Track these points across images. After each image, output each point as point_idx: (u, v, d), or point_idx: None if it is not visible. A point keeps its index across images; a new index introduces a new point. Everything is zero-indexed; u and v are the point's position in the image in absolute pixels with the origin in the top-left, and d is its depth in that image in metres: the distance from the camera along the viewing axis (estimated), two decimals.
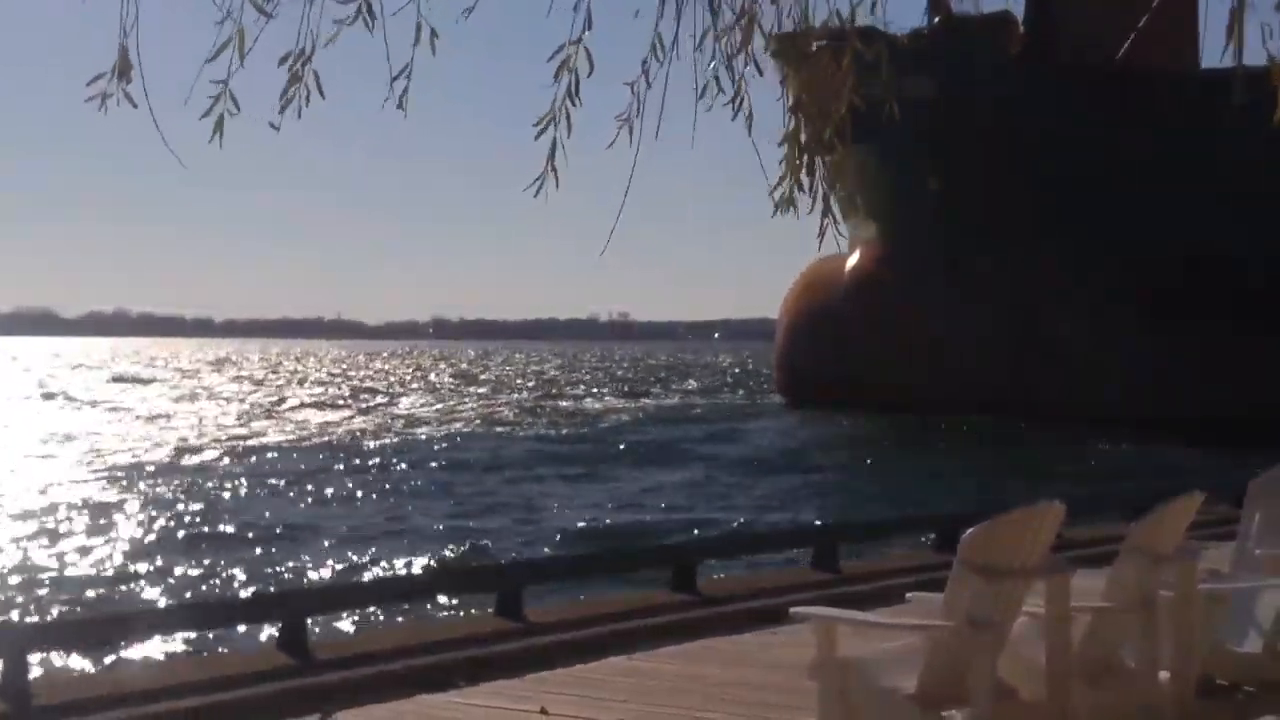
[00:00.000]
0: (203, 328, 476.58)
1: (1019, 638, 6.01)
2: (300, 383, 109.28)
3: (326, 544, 25.07)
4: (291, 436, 51.00)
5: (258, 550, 24.32)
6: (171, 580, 21.53)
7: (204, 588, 20.98)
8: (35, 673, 8.79)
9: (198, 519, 28.01)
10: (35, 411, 66.66)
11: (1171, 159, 53.54)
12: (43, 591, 20.42)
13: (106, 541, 24.90)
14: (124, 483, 34.25)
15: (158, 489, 32.92)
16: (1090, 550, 12.27)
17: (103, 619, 12.17)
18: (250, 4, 4.86)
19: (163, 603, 19.08)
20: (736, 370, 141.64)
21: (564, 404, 77.49)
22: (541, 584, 14.40)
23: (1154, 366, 53.27)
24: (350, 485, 34.45)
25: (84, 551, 23.82)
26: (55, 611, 18.67)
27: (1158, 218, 53.97)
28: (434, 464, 40.19)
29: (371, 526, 27.06)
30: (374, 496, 32.42)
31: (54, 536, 25.33)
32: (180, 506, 29.90)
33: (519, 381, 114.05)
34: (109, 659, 13.74)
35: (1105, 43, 45.98)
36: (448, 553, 23.97)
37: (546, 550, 23.81)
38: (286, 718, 7.58)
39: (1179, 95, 52.57)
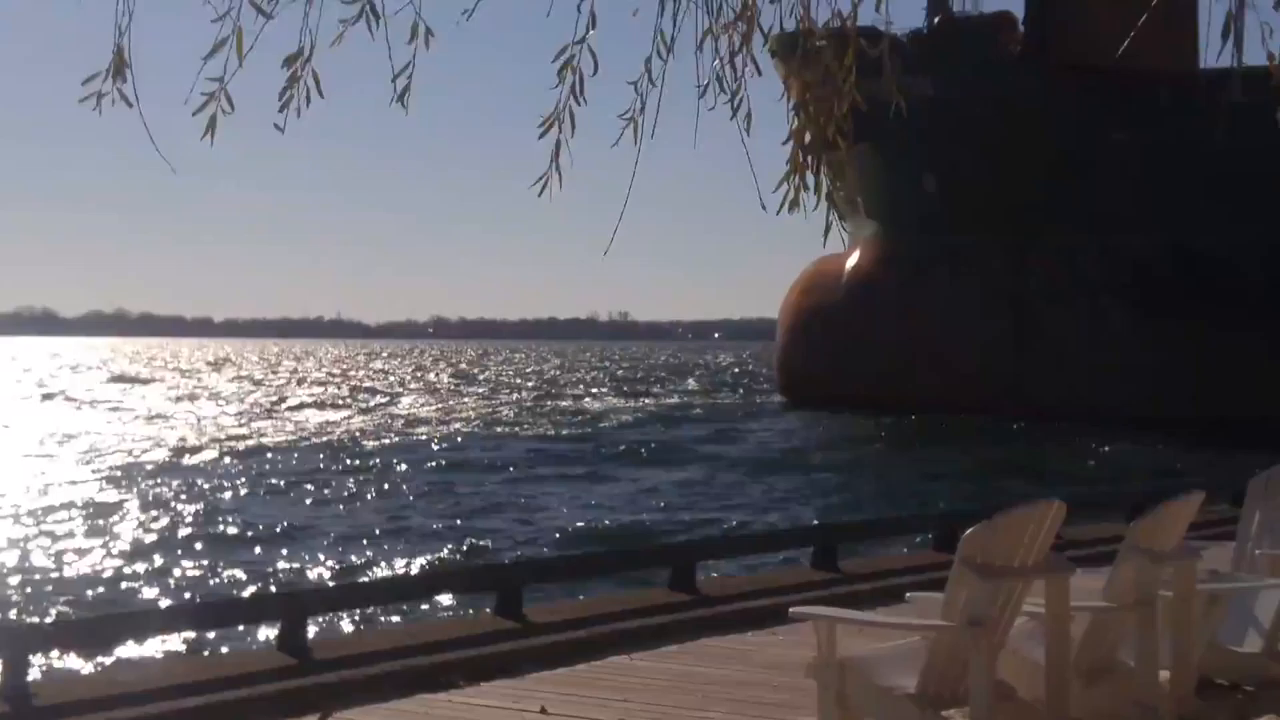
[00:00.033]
0: (203, 328, 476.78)
1: (1019, 638, 6.02)
2: (300, 383, 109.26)
3: (326, 544, 25.07)
4: (291, 436, 50.99)
5: (258, 550, 24.32)
6: (171, 580, 21.53)
7: (204, 588, 20.99)
8: (35, 673, 8.79)
9: (197, 519, 28.01)
10: (35, 412, 66.64)
11: (1171, 159, 53.57)
12: (43, 592, 20.42)
13: (106, 542, 24.90)
14: (124, 483, 34.24)
15: (157, 489, 32.92)
16: (1090, 550, 12.26)
17: (103, 619, 12.16)
18: (249, 3, 4.86)
19: (163, 603, 19.08)
20: (736, 370, 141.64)
21: (564, 404, 77.49)
22: (541, 584, 14.41)
23: (1154, 366, 53.29)
24: (350, 485, 34.45)
25: (84, 552, 23.82)
26: (55, 611, 18.67)
27: (1157, 218, 54.01)
28: (433, 464, 40.19)
29: (371, 526, 27.06)
30: (374, 497, 32.42)
31: (54, 537, 25.32)
32: (180, 506, 29.90)
33: (519, 381, 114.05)
34: (109, 659, 13.74)
35: (1105, 43, 45.97)
36: (448, 553, 23.98)
37: (546, 550, 23.80)
38: (286, 718, 7.58)
39: (1179, 95, 52.60)
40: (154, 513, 28.78)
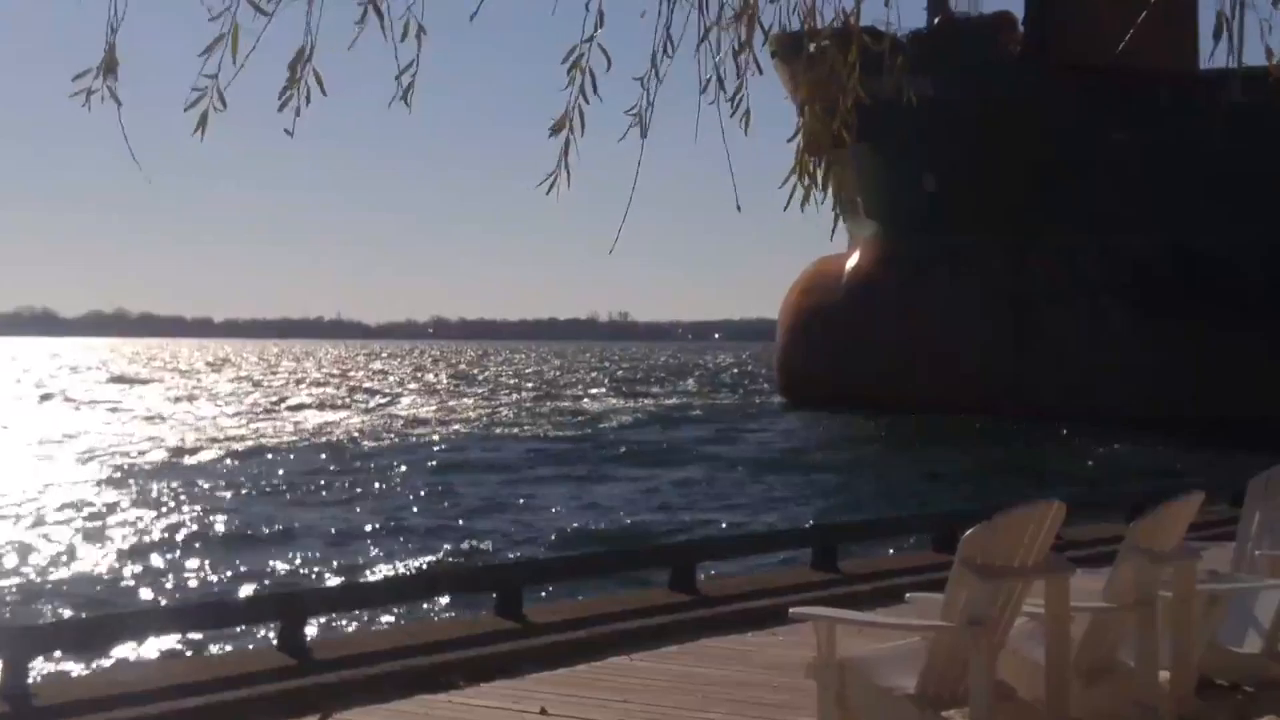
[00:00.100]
0: (203, 328, 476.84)
1: (1019, 638, 6.02)
2: (299, 383, 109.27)
3: (326, 544, 25.07)
4: (291, 437, 50.99)
5: (257, 550, 24.31)
6: (171, 580, 21.53)
7: (204, 588, 20.99)
8: (35, 673, 8.79)
9: (197, 519, 28.00)
10: (34, 412, 66.65)
11: (1171, 159, 53.58)
12: (43, 592, 20.42)
13: (106, 542, 24.90)
14: (123, 483, 34.24)
15: (157, 490, 32.91)
16: (1090, 550, 12.27)
17: (102, 620, 12.16)
18: (246, 2, 4.86)
19: (162, 603, 19.08)
20: (736, 370, 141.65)
21: (563, 404, 77.50)
22: (541, 584, 14.41)
23: (1154, 366, 53.31)
24: (349, 485, 34.45)
25: (83, 552, 23.81)
26: (55, 612, 18.67)
27: (1157, 218, 54.03)
28: (433, 464, 40.18)
29: (371, 527, 27.06)
30: (373, 497, 32.41)
31: (53, 537, 25.31)
32: (180, 507, 29.89)
33: (518, 381, 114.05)
34: (109, 660, 13.75)
35: (1105, 42, 46.00)
36: (447, 553, 23.98)
37: (546, 551, 23.80)
38: (286, 718, 7.58)
39: (1179, 95, 52.63)
40: (153, 513, 28.78)
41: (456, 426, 57.47)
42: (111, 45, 4.96)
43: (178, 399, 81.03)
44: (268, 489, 33.61)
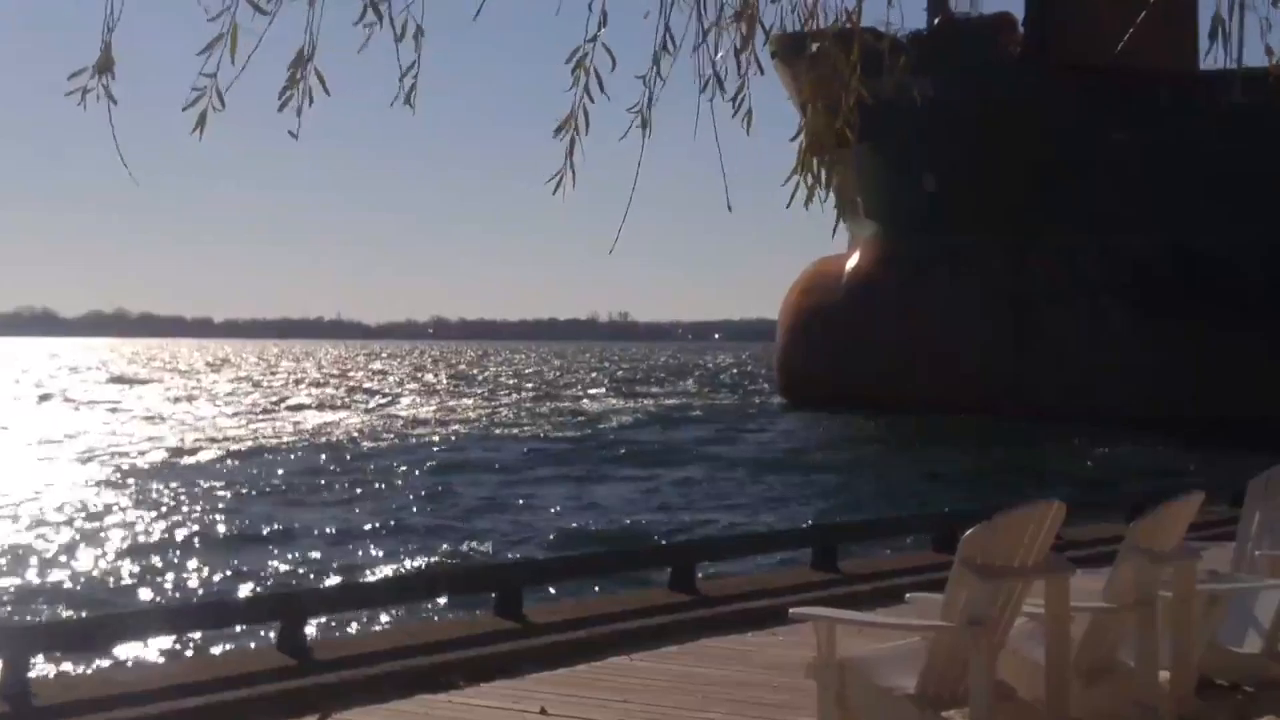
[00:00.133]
0: (203, 328, 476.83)
1: (1019, 638, 6.02)
2: (299, 383, 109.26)
3: (326, 544, 25.08)
4: (290, 437, 50.99)
5: (257, 550, 24.31)
6: (171, 581, 21.53)
7: (204, 588, 20.99)
8: (35, 673, 8.79)
9: (197, 520, 28.00)
10: (33, 412, 66.64)
11: (1171, 159, 53.58)
12: (42, 592, 20.42)
13: (105, 542, 24.89)
14: (122, 484, 34.24)
15: (156, 490, 32.90)
16: (1090, 550, 12.27)
17: (102, 619, 12.16)
18: (246, 2, 4.86)
19: (162, 603, 19.08)
20: (736, 370, 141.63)
21: (563, 404, 77.49)
22: (541, 584, 14.41)
23: (1154, 366, 53.30)
24: (349, 486, 34.44)
25: (83, 552, 23.80)
26: (55, 612, 18.67)
27: (1157, 218, 54.02)
28: (433, 464, 40.17)
29: (371, 527, 27.06)
30: (373, 497, 32.40)
31: (53, 537, 25.31)
32: (179, 507, 29.89)
33: (518, 382, 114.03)
34: (109, 659, 13.75)
35: (1105, 43, 45.99)
36: (447, 553, 23.97)
37: (545, 551, 23.80)
38: (286, 718, 7.58)
39: (1179, 95, 52.62)
40: (153, 513, 28.77)
41: (456, 427, 57.47)
42: (107, 44, 4.96)
43: (177, 399, 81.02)
44: (268, 489, 33.60)
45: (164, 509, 29.47)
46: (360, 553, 24.07)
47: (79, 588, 20.80)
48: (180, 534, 25.95)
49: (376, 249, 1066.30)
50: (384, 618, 15.83)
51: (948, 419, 50.62)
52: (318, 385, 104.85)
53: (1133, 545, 6.50)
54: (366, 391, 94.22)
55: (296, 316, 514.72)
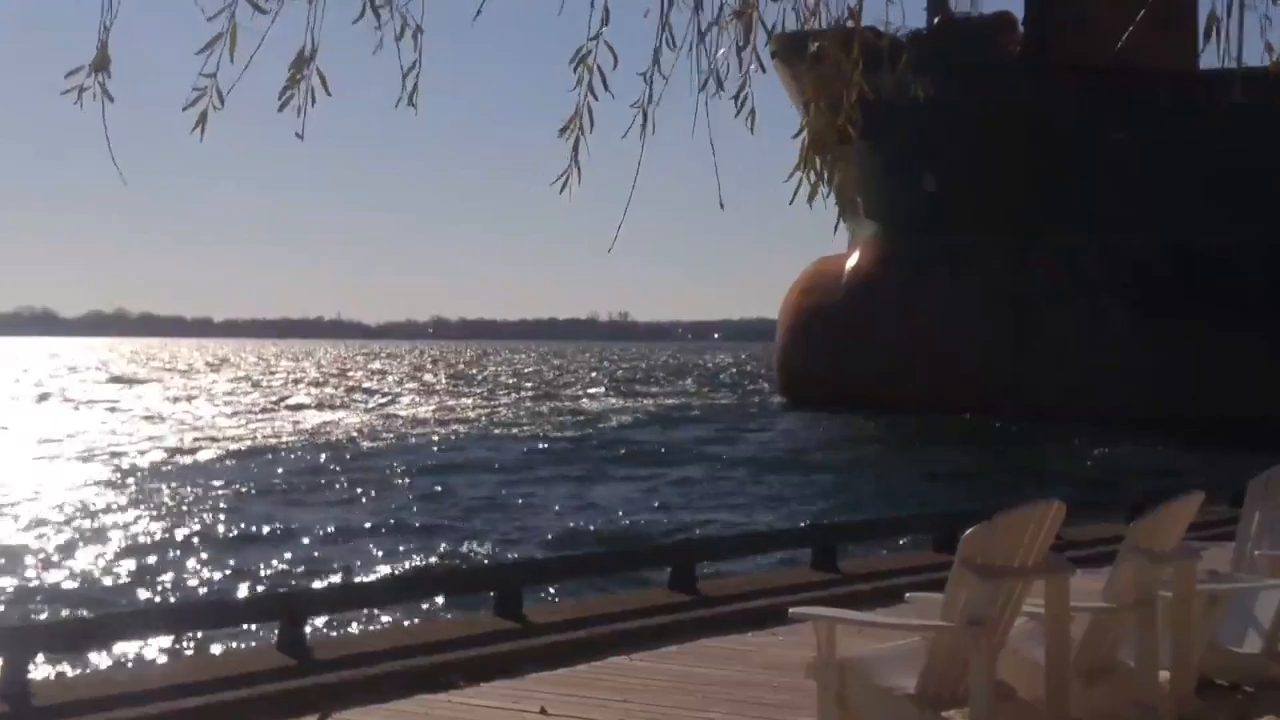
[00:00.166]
0: (203, 328, 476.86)
1: (1019, 638, 6.02)
2: (298, 383, 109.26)
3: (326, 544, 25.08)
4: (290, 437, 50.98)
5: (257, 550, 24.31)
6: (171, 581, 21.52)
7: (204, 588, 20.99)
8: (35, 673, 8.78)
9: (197, 519, 28.00)
10: (33, 412, 66.63)
11: (1171, 159, 53.58)
12: (42, 592, 20.42)
13: (105, 542, 24.89)
14: (122, 484, 34.24)
15: (155, 490, 32.91)
16: (1090, 550, 12.26)
17: (103, 619, 12.16)
18: (246, 1, 4.86)
19: (162, 603, 19.07)
20: (735, 370, 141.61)
21: (563, 404, 77.48)
22: (541, 584, 14.42)
23: (1154, 366, 53.31)
24: (348, 486, 34.43)
25: (83, 552, 23.80)
26: (55, 612, 18.66)
27: (1157, 218, 54.02)
28: (432, 464, 40.17)
29: (371, 527, 27.05)
30: (372, 497, 32.40)
31: (53, 537, 25.31)
32: (179, 507, 29.89)
33: (517, 381, 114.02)
34: (109, 659, 13.75)
35: (1105, 43, 45.95)
36: (447, 553, 23.97)
37: (545, 551, 23.80)
38: (286, 718, 7.58)
39: (1179, 95, 52.63)
40: (152, 513, 28.77)
41: (456, 426, 57.46)
42: (104, 42, 4.96)
43: (176, 399, 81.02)
44: (267, 489, 33.60)
45: (163, 509, 29.47)
46: (360, 553, 24.06)
47: (78, 588, 20.80)
48: (180, 534, 25.95)
49: (376, 249, 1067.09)
50: (384, 618, 15.83)
51: (948, 419, 50.62)
52: (317, 385, 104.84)
53: (1133, 545, 6.50)
54: (366, 391, 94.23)
55: (296, 316, 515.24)
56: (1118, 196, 54.43)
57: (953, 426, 48.95)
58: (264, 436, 50.98)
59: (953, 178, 57.32)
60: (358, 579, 20.62)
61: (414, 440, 49.66)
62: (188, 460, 40.82)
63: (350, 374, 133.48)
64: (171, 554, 23.73)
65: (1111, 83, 51.83)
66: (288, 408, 72.37)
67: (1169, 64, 48.30)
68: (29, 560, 22.88)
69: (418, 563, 22.79)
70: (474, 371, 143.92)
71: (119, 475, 36.04)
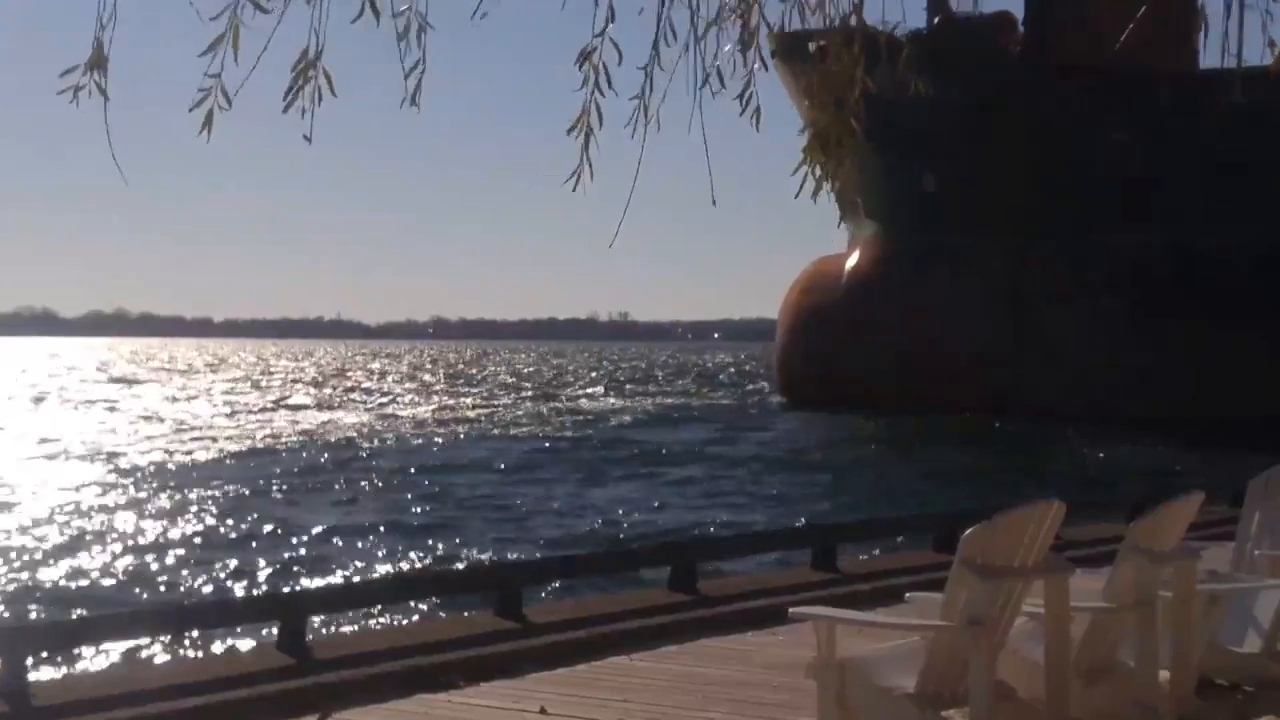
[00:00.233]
0: (202, 328, 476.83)
1: (1019, 638, 6.02)
2: (298, 383, 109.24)
3: (325, 544, 25.07)
4: (290, 437, 50.98)
5: (257, 550, 24.31)
6: (171, 581, 21.52)
7: (203, 588, 20.99)
8: (35, 673, 8.78)
9: (196, 519, 28.00)
10: (32, 412, 66.62)
11: (1171, 158, 53.58)
12: (41, 592, 20.42)
13: (104, 542, 24.89)
14: (121, 484, 34.24)
15: (155, 490, 32.90)
16: (1090, 550, 12.26)
17: (102, 619, 12.15)
18: (248, 1, 4.85)
19: (161, 603, 19.06)
20: (735, 370, 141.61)
21: (563, 404, 77.48)
22: (541, 584, 14.41)
23: (1153, 366, 53.31)
24: (348, 486, 34.44)
25: (82, 552, 23.79)
26: (55, 612, 18.66)
27: (1155, 217, 54.03)
28: (432, 464, 40.17)
29: (370, 527, 27.04)
30: (372, 497, 32.41)
31: (52, 537, 25.31)
32: (178, 507, 29.89)
33: (517, 381, 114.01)
34: (108, 659, 13.75)
35: (1105, 43, 45.99)
36: (446, 553, 23.97)
37: (545, 550, 23.80)
38: (286, 718, 7.58)
39: (1179, 95, 52.64)
40: (152, 513, 28.77)
41: (455, 426, 57.46)
42: (99, 40, 4.95)
43: (177, 399, 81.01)
44: (267, 489, 33.60)
45: (163, 509, 29.47)
46: (360, 553, 24.06)
47: (77, 588, 20.80)
48: (179, 534, 25.95)
49: (376, 249, 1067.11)
50: (384, 618, 15.83)
51: (948, 419, 50.60)
52: (317, 385, 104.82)
53: (1133, 545, 6.50)
54: (365, 391, 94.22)
55: (296, 316, 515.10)
56: (1118, 197, 54.43)
57: (953, 426, 48.93)
58: (264, 437, 50.97)
59: (952, 178, 57.32)
60: (357, 579, 20.62)
61: (414, 440, 49.65)
62: (187, 460, 40.82)
63: (350, 374, 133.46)
64: (171, 554, 23.72)
65: (1111, 83, 51.84)
66: (287, 408, 72.35)
67: (1169, 64, 48.32)
68: (28, 560, 22.87)
69: (418, 563, 22.79)
70: (474, 371, 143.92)
71: (118, 475, 36.03)
